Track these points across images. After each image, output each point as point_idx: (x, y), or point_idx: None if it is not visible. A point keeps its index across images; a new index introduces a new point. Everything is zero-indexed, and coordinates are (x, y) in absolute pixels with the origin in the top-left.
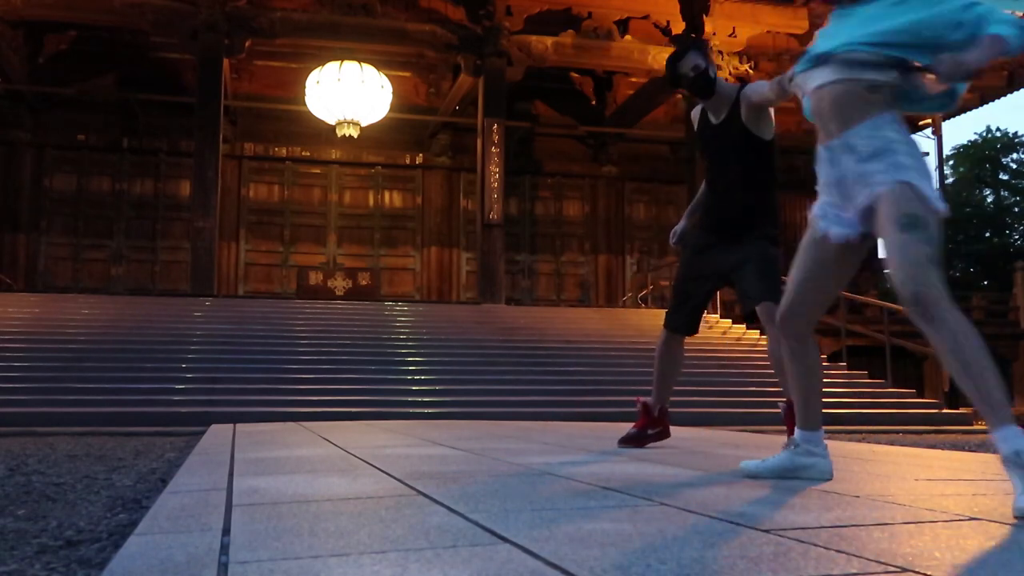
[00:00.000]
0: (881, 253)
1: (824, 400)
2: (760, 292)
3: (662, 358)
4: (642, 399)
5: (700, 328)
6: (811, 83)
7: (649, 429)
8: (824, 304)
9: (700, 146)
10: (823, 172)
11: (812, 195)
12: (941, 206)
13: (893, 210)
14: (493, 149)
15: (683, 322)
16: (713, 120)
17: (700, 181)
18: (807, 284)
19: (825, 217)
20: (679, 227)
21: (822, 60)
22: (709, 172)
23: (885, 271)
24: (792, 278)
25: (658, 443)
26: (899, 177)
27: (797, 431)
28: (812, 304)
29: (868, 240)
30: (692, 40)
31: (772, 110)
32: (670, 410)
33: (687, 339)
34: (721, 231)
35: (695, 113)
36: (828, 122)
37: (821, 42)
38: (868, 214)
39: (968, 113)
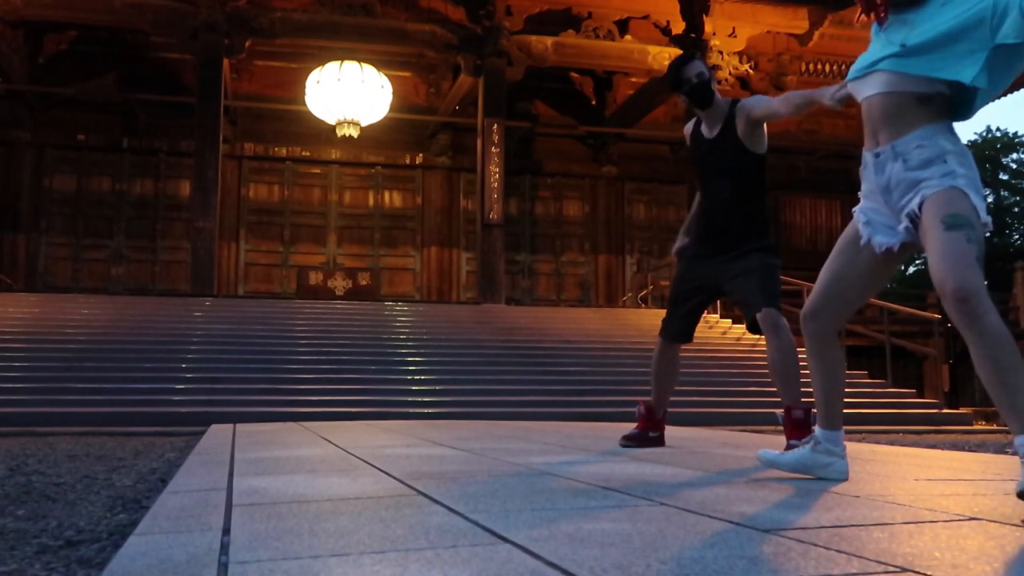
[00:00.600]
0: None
1: None
2: (761, 300)
3: (657, 365)
4: (644, 400)
5: (700, 328)
6: (863, 92)
7: (650, 432)
8: (849, 309)
9: (694, 160)
10: (868, 178)
11: (811, 195)
12: (987, 219)
13: (940, 210)
14: (493, 149)
15: (676, 330)
16: (707, 134)
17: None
18: (835, 286)
19: (870, 224)
20: (678, 244)
21: (873, 69)
22: (702, 186)
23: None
24: (821, 279)
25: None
26: (950, 183)
27: (818, 430)
28: (837, 307)
29: (907, 250)
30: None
31: (765, 125)
32: (669, 410)
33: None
34: (714, 243)
35: (688, 128)
36: (878, 130)
37: (875, 48)
38: (912, 223)
39: None
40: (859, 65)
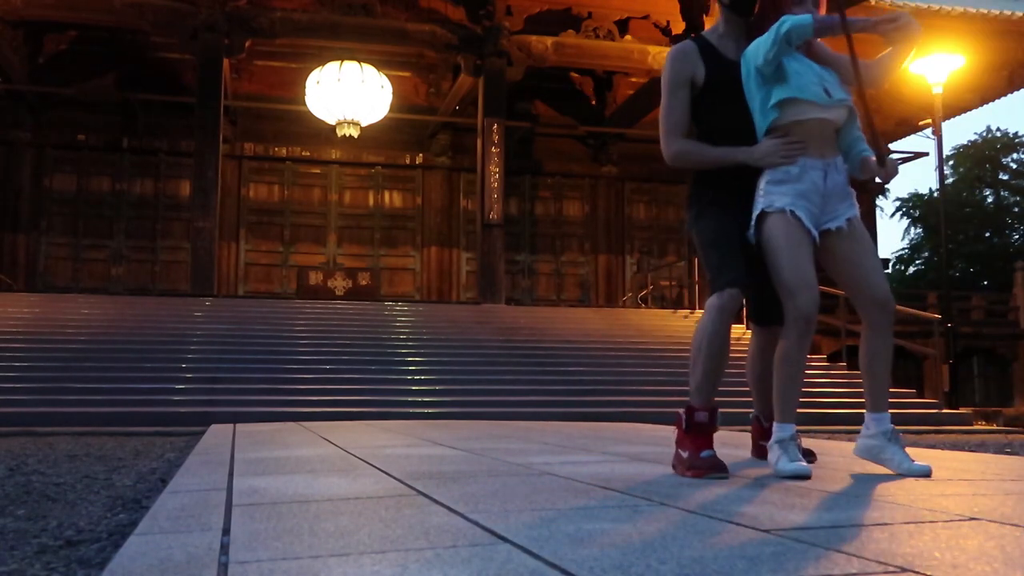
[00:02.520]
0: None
1: (824, 400)
2: None
3: (721, 337)
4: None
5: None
6: (827, 114)
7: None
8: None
9: (712, 87)
10: (810, 181)
11: None
12: None
13: (867, 232)
14: (493, 149)
15: (742, 273)
16: (732, 55)
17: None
18: (812, 270)
19: (807, 219)
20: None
21: (844, 102)
22: (722, 118)
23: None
24: (798, 270)
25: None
26: None
27: (791, 427)
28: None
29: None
30: None
31: None
32: (664, 411)
33: (675, 336)
34: (738, 187)
35: (684, 52)
36: (825, 146)
37: (811, 77)
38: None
39: (968, 113)
40: (816, 90)
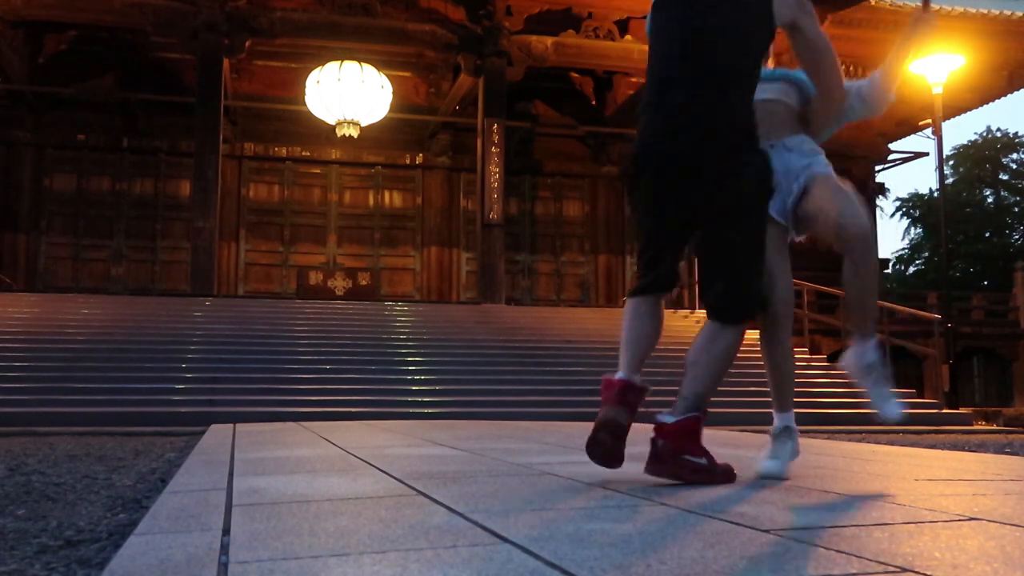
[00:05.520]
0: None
1: (824, 400)
2: None
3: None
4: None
5: (695, 327)
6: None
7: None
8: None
9: None
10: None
11: None
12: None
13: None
14: (493, 149)
15: None
16: None
17: None
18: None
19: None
20: None
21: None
22: None
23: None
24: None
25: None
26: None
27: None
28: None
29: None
30: None
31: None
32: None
33: (676, 337)
34: None
35: None
36: (767, 128)
37: None
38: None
39: (968, 113)
40: None
